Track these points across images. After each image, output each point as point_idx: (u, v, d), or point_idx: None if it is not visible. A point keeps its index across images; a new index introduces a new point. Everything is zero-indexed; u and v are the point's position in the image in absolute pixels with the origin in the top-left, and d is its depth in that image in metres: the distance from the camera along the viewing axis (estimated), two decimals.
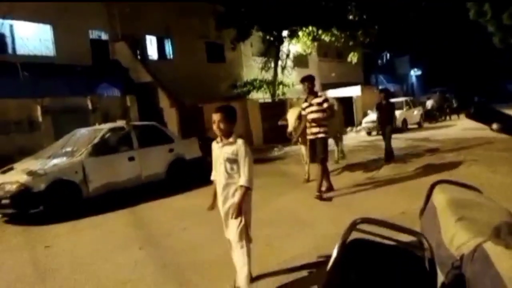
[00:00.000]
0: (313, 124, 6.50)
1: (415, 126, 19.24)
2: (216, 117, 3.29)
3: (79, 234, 5.88)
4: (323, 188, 6.59)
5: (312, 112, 6.53)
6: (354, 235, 1.48)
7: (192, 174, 8.87)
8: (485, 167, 7.64)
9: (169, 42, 19.15)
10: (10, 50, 13.87)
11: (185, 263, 4.25)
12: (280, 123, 8.71)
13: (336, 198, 6.48)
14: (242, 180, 3.25)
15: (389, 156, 9.48)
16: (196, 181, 8.44)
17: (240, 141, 3.30)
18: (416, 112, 19.98)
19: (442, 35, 32.29)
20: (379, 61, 37.09)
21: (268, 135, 16.83)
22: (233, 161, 3.29)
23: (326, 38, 20.09)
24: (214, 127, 3.31)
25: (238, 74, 21.73)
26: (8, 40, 13.85)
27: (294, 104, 19.86)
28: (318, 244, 4.22)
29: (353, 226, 1.45)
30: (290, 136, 7.71)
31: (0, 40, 13.59)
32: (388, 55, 38.50)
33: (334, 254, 1.44)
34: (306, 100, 6.70)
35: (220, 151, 3.36)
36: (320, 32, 19.40)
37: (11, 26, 13.83)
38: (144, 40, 18.09)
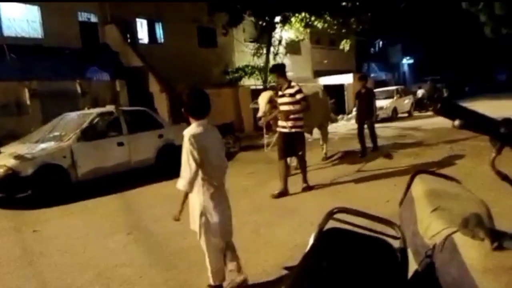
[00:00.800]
0: (286, 117, 6.00)
1: (405, 115, 19.38)
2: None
3: (67, 218, 5.89)
4: (277, 192, 6.13)
5: (284, 103, 6.05)
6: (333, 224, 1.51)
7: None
8: (472, 157, 7.75)
9: (160, 26, 18.90)
10: None
11: (172, 248, 4.29)
12: (251, 106, 8.26)
13: (324, 187, 6.54)
14: (178, 181, 2.90)
15: (376, 147, 9.37)
16: None
17: (184, 134, 2.96)
18: (407, 101, 20.09)
19: (435, 24, 32.30)
20: (372, 49, 37.07)
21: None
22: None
23: (319, 24, 19.98)
24: None
25: (230, 59, 21.58)
26: None
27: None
28: (304, 231, 4.28)
29: (329, 216, 1.49)
30: (260, 121, 7.23)
31: None
32: (380, 43, 38.49)
33: (310, 242, 1.48)
34: (280, 89, 6.21)
35: None
36: (312, 18, 19.28)
37: None
38: (135, 23, 17.83)
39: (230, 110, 16.19)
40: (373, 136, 9.29)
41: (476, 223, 1.13)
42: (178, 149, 9.26)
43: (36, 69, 12.00)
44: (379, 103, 18.05)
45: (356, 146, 10.38)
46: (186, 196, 2.88)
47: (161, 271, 3.76)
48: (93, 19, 16.28)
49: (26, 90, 11.22)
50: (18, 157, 6.73)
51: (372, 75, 32.10)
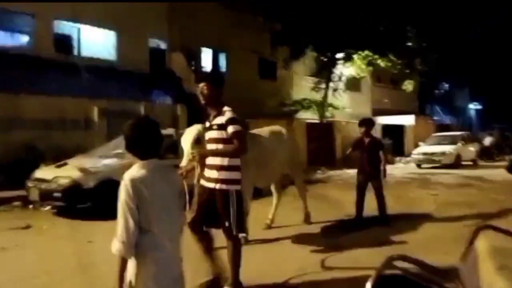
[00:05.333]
0: (211, 163, 3.71)
1: (470, 163, 18.28)
2: None
3: None
4: (204, 281, 3.78)
5: (211, 140, 3.77)
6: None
7: None
8: None
9: (224, 56, 19.66)
10: (75, 52, 14.82)
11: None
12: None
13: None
14: (113, 243, 2.13)
15: (384, 218, 6.45)
16: None
17: (124, 179, 2.17)
18: (472, 148, 18.98)
19: (506, 69, 30.80)
20: (436, 91, 35.93)
21: (313, 156, 16.68)
22: None
23: (382, 63, 19.83)
24: None
25: (288, 92, 21.83)
26: (75, 43, 14.82)
27: (342, 128, 19.65)
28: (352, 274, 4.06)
29: (388, 262, 1.42)
30: (182, 173, 4.00)
31: (68, 41, 14.57)
32: (446, 85, 37.24)
33: (367, 285, 1.41)
34: (207, 119, 3.88)
35: None
36: (376, 57, 19.18)
37: (78, 29, 14.80)
38: (200, 52, 18.70)
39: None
40: (381, 203, 6.47)
41: None
42: None
43: (106, 89, 12.87)
44: (441, 148, 17.32)
45: (412, 190, 9.91)
46: (124, 262, 2.13)
47: None
48: (162, 46, 17.30)
49: (96, 108, 12.02)
50: (82, 170, 7.13)
51: (435, 118, 31.00)
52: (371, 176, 6.45)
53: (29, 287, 3.96)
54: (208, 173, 3.75)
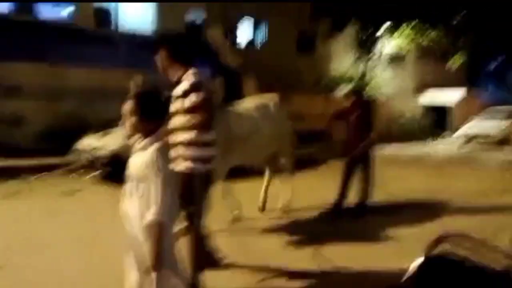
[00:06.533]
0: (178, 140, 3.07)
1: None
2: (128, 107, 2.21)
3: None
4: None
5: (174, 113, 3.13)
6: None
7: None
8: None
9: (261, 28, 19.37)
10: (115, 24, 14.99)
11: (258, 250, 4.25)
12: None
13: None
14: (151, 212, 2.05)
15: (361, 210, 5.65)
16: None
17: (154, 147, 2.10)
18: None
19: None
20: (488, 67, 33.82)
21: None
22: (140, 178, 2.13)
23: (430, 34, 18.88)
24: (125, 122, 2.25)
25: (327, 67, 21.30)
26: (115, 15, 15.00)
27: (382, 105, 18.95)
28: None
29: (439, 241, 1.32)
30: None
31: (108, 13, 14.85)
32: (499, 58, 34.89)
33: (413, 266, 1.32)
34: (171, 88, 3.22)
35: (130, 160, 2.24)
36: (425, 27, 18.25)
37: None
38: (237, 24, 18.49)
39: (321, 117, 15.97)
40: (367, 189, 5.70)
41: None
42: None
43: (145, 62, 12.99)
44: (494, 123, 15.96)
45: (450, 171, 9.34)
46: (161, 232, 2.07)
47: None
48: (200, 19, 17.26)
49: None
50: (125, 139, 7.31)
51: (485, 94, 29.36)
52: (360, 153, 5.50)
53: (71, 252, 4.12)
54: (179, 151, 3.05)
